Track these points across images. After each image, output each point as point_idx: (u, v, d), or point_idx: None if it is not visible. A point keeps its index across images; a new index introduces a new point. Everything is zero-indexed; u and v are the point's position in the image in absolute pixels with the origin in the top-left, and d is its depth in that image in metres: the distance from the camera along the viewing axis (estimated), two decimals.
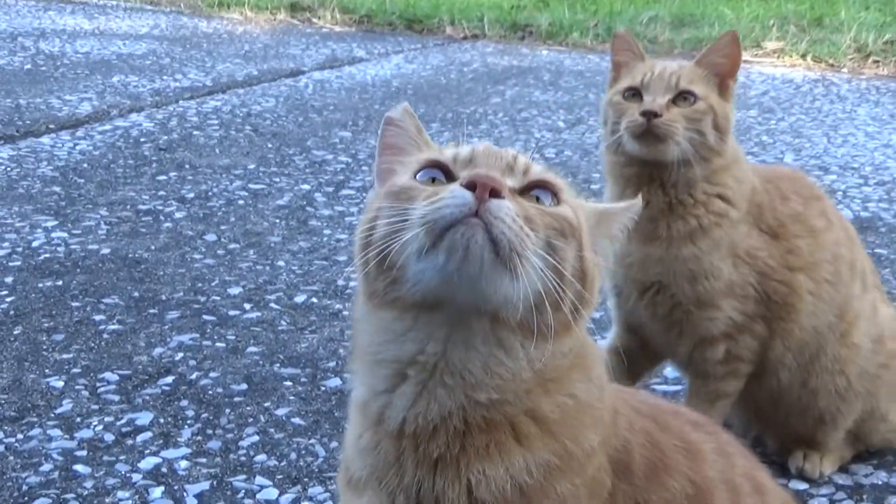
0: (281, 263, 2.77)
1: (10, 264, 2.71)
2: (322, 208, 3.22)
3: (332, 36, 6.65)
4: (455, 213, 0.91)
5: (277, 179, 3.49)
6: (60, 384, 2.09)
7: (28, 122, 4.13)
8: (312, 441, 1.92)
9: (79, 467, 1.81)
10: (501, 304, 0.92)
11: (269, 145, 3.92)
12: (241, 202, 3.25)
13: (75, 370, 2.15)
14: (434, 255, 0.92)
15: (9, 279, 2.61)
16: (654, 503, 1.01)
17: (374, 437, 0.99)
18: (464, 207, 0.91)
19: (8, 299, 2.49)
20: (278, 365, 2.21)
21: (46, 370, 2.15)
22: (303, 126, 4.20)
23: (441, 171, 1.02)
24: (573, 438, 0.97)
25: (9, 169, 3.50)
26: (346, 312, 2.48)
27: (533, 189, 1.01)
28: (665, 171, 1.84)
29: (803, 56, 6.06)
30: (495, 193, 0.92)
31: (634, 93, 1.89)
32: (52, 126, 4.08)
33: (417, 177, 1.02)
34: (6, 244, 2.84)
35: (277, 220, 3.10)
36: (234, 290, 2.59)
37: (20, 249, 2.81)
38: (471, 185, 0.92)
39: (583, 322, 0.99)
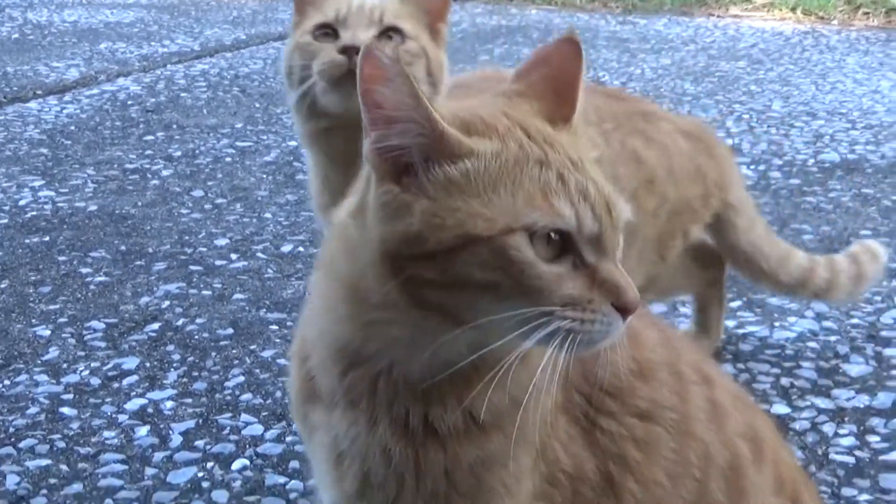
0: (268, 216, 2.78)
1: None
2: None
3: None
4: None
5: (265, 137, 3.49)
6: (47, 333, 2.10)
7: (15, 88, 4.12)
8: None
9: (65, 410, 1.82)
10: None
11: (257, 105, 3.92)
12: (228, 159, 3.25)
13: (62, 320, 2.16)
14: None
15: None
16: (601, 382, 1.01)
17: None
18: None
19: None
20: (264, 310, 2.22)
21: (33, 320, 2.16)
22: None
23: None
24: None
25: None
26: None
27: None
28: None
29: (793, 9, 6.03)
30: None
31: (328, 31, 1.56)
32: (39, 92, 4.08)
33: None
34: None
35: (264, 176, 3.10)
36: (221, 242, 2.59)
37: (7, 208, 2.81)
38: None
39: None
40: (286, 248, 2.56)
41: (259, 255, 2.52)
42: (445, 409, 0.91)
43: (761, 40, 5.24)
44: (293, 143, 3.38)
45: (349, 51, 1.48)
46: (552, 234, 0.82)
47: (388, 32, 1.56)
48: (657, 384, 1.03)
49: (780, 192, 2.93)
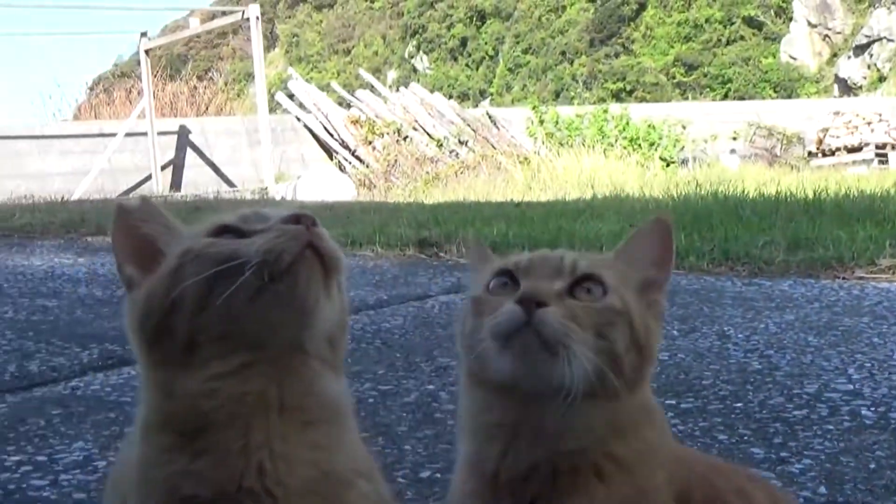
0: (407, 447, 2.98)
1: None
2: (446, 404, 3.44)
3: (458, 267, 7.02)
4: (511, 326, 1.17)
5: (405, 381, 3.74)
6: None
7: None
8: None
9: None
10: (560, 387, 1.16)
11: (398, 355, 4.19)
12: (370, 400, 3.49)
13: None
14: (504, 355, 1.17)
15: None
16: None
17: (475, 484, 1.20)
18: (518, 321, 1.17)
19: None
20: None
21: None
22: (429, 339, 4.48)
23: (509, 277, 1.27)
24: (645, 476, 1.17)
25: None
26: None
27: (581, 283, 1.23)
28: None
29: None
30: (541, 304, 1.17)
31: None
32: None
33: (491, 285, 1.28)
34: None
35: (404, 414, 3.33)
36: None
37: None
38: (520, 301, 1.18)
39: (645, 380, 1.20)
40: (424, 474, 2.75)
41: (399, 480, 2.71)
42: None
43: (885, 299, 5.36)
44: (431, 387, 3.62)
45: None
46: None
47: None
48: None
49: None
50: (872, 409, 3.27)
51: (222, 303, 1.08)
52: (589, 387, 1.15)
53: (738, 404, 3.31)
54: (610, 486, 1.16)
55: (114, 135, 22.23)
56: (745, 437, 2.97)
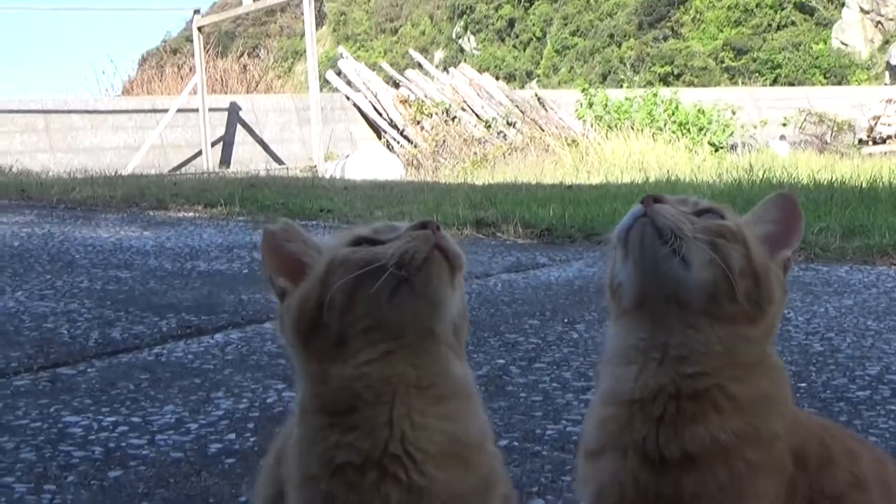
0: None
1: (251, 415, 3.13)
2: (517, 377, 3.56)
3: (516, 247, 7.13)
4: (630, 219, 1.34)
5: (475, 356, 3.86)
6: None
7: (251, 312, 4.66)
8: None
9: None
10: (677, 289, 1.30)
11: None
12: None
13: None
14: (627, 262, 1.34)
15: (251, 425, 3.03)
16: (823, 488, 1.31)
17: (614, 410, 1.35)
18: (636, 214, 1.33)
19: (251, 439, 2.90)
20: None
21: None
22: (494, 316, 4.60)
23: None
24: (759, 418, 1.30)
25: (240, 346, 3.99)
26: (543, 453, 2.79)
27: (702, 214, 1.37)
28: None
29: None
30: (658, 200, 1.33)
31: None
32: (271, 315, 4.59)
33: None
34: (245, 401, 3.28)
35: (477, 387, 3.44)
36: None
37: (257, 404, 3.24)
38: (642, 201, 1.34)
39: (764, 322, 1.32)
40: (502, 443, 2.87)
41: None
42: None
43: None
44: (501, 361, 3.74)
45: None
46: None
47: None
48: (870, 493, 1.32)
49: None
50: None
51: (367, 300, 1.26)
52: (703, 295, 1.29)
53: (803, 384, 3.40)
54: (725, 420, 1.29)
55: (165, 110, 22.49)
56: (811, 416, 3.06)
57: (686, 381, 1.31)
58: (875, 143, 24.30)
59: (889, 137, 24.05)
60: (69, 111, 22.19)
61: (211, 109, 23.03)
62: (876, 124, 24.74)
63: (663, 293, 1.32)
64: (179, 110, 22.58)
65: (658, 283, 1.32)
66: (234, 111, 23.94)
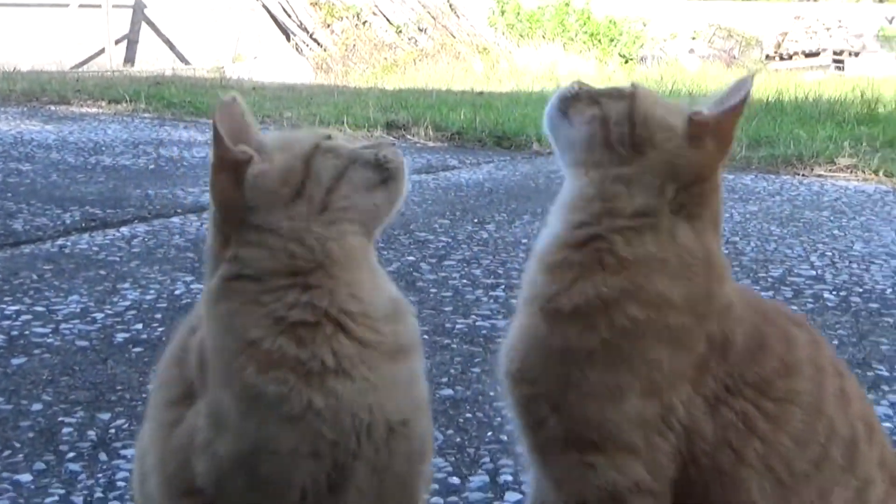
0: None
1: (158, 306, 3.09)
2: (427, 274, 3.57)
3: (426, 149, 7.09)
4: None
5: (385, 253, 3.85)
6: None
7: (158, 206, 4.58)
8: None
9: None
10: (565, 142, 1.45)
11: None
12: None
13: None
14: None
15: (158, 315, 2.99)
16: (745, 375, 1.33)
17: (529, 264, 1.45)
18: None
19: (159, 329, 2.87)
20: None
21: None
22: (405, 215, 4.58)
23: None
24: (644, 277, 1.33)
25: (147, 239, 3.93)
26: (453, 346, 2.81)
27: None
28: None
29: (875, 171, 6.31)
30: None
31: None
32: (179, 210, 4.52)
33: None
34: (152, 292, 3.23)
35: None
36: None
37: (165, 295, 3.19)
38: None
39: (641, 162, 1.38)
40: None
41: None
42: None
43: (844, 195, 5.54)
44: (411, 258, 3.74)
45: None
46: None
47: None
48: (800, 377, 1.34)
49: (859, 313, 3.20)
50: (834, 293, 3.44)
51: (352, 183, 1.35)
52: (582, 146, 1.40)
53: None
54: (608, 276, 1.33)
55: (66, 6, 21.75)
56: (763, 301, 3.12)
57: (573, 233, 1.38)
58: (782, 59, 24.58)
59: (795, 54, 24.35)
60: None
61: (115, 6, 22.32)
62: (783, 40, 25.01)
63: (559, 148, 1.45)
64: (81, 6, 21.85)
65: (555, 142, 1.46)
66: (139, 9, 23.19)
